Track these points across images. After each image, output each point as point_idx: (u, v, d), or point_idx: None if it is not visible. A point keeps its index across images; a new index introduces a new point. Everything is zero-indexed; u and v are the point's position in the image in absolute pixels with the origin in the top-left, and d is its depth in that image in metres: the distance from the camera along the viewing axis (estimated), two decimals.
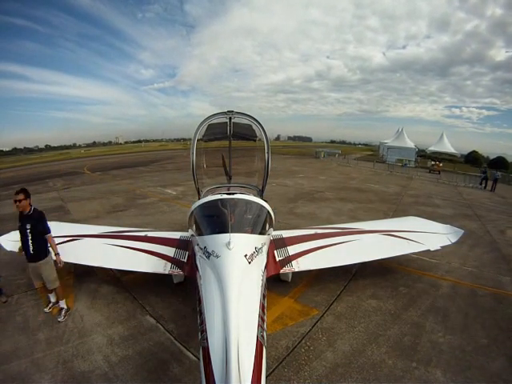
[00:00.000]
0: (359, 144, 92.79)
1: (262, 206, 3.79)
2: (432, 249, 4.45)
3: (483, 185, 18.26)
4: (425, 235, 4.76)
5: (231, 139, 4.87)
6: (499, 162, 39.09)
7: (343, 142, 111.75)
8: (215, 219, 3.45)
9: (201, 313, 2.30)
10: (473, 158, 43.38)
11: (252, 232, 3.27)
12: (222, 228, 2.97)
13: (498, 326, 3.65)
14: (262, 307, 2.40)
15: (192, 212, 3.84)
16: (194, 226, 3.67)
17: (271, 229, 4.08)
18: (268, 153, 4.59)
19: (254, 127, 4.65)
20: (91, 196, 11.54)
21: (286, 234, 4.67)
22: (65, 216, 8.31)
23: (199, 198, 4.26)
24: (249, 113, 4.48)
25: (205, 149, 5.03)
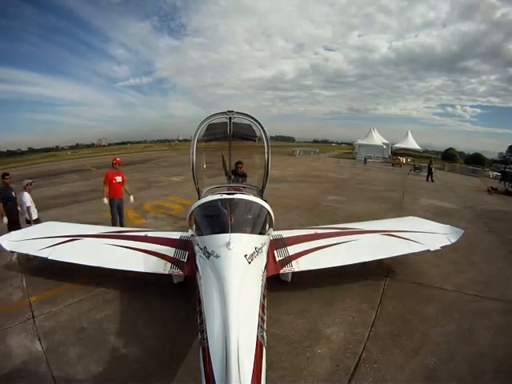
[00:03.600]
0: (342, 143, 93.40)
1: (262, 205, 3.80)
2: (432, 249, 4.44)
3: (429, 180, 19.52)
4: (424, 235, 4.75)
5: (231, 139, 4.88)
6: (475, 158, 41.36)
7: (326, 142, 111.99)
8: (215, 219, 3.46)
9: (201, 313, 2.30)
10: (449, 155, 45.54)
11: (252, 232, 3.28)
12: (221, 228, 2.98)
13: None
14: (262, 307, 2.40)
15: (192, 212, 3.84)
16: (194, 226, 3.68)
17: (271, 229, 4.08)
18: (268, 153, 4.60)
19: (254, 127, 4.66)
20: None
21: (285, 234, 4.68)
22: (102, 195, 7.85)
23: (199, 198, 4.26)
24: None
25: (205, 149, 5.04)
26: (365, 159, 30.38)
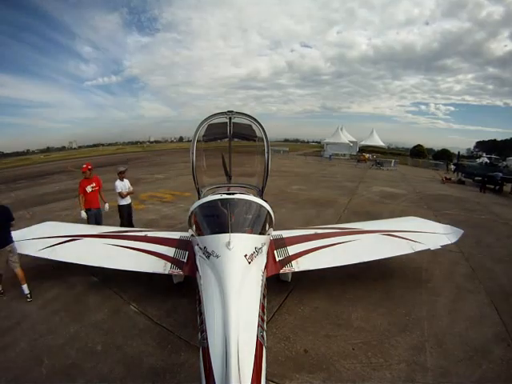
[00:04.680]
0: (313, 142, 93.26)
1: (262, 205, 3.78)
2: (432, 248, 4.45)
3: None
4: (424, 235, 4.74)
5: (231, 139, 4.86)
6: (443, 154, 43.43)
7: (297, 141, 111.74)
8: (215, 219, 3.43)
9: (201, 313, 2.29)
10: (417, 151, 46.89)
11: (252, 232, 3.25)
12: (221, 228, 2.96)
13: None
14: (262, 307, 2.40)
15: (192, 212, 3.83)
16: (194, 226, 3.66)
17: (271, 229, 4.07)
18: (268, 153, 4.59)
19: (254, 127, 4.65)
20: (105, 180, 14.01)
21: (285, 234, 4.67)
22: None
23: (199, 198, 4.25)
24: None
25: (205, 149, 5.03)
26: (330, 156, 33.22)
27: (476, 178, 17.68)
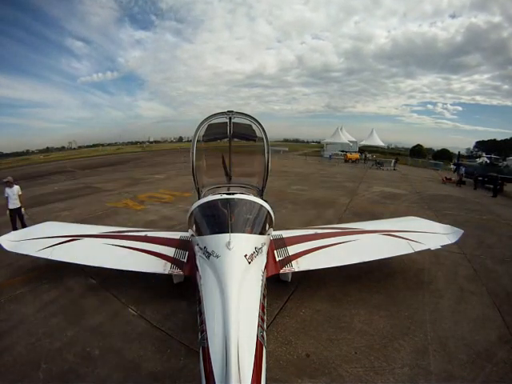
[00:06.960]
0: (312, 142, 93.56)
1: (262, 205, 3.76)
2: (432, 248, 4.44)
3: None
4: (425, 235, 4.74)
5: (231, 139, 4.84)
6: (443, 154, 44.45)
7: (297, 141, 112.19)
8: (215, 219, 3.41)
9: (201, 313, 2.28)
10: (416, 151, 47.51)
11: (252, 232, 3.23)
12: (221, 228, 2.94)
13: None
14: (262, 307, 2.39)
15: (192, 212, 3.81)
16: (194, 226, 3.64)
17: (271, 229, 4.05)
18: (268, 153, 4.56)
19: (254, 127, 4.63)
20: (105, 180, 14.73)
21: (285, 234, 4.67)
22: (97, 190, 10.47)
23: (199, 198, 4.22)
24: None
25: (205, 149, 5.01)
26: (330, 156, 33.35)
27: (477, 178, 17.69)
